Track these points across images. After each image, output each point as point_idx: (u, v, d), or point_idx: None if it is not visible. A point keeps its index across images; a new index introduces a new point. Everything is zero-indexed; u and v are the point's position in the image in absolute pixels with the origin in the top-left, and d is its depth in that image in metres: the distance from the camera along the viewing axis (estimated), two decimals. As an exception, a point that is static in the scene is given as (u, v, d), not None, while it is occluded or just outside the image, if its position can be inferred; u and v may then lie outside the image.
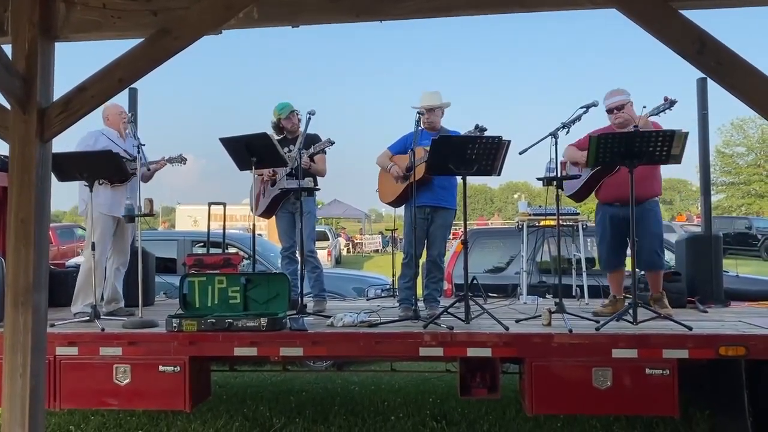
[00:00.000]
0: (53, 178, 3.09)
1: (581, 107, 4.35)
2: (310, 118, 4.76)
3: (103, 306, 4.75)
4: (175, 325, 3.92)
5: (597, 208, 4.78)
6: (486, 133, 4.28)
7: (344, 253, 28.90)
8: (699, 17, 2.53)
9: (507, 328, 3.87)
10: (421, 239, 4.64)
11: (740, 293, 5.55)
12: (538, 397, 3.70)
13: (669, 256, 6.65)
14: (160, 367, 3.89)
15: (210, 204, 6.13)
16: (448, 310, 4.19)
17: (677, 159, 3.95)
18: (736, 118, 44.14)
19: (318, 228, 20.99)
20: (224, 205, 6.21)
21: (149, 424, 4.78)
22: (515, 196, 69.14)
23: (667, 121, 4.21)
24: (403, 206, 4.86)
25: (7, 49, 2.77)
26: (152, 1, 2.87)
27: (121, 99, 5.44)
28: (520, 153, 4.50)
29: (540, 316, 4.13)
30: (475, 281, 5.50)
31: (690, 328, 3.76)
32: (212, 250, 5.93)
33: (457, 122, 4.94)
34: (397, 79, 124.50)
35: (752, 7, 2.89)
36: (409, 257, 4.66)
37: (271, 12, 2.85)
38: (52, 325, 4.02)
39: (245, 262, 6.09)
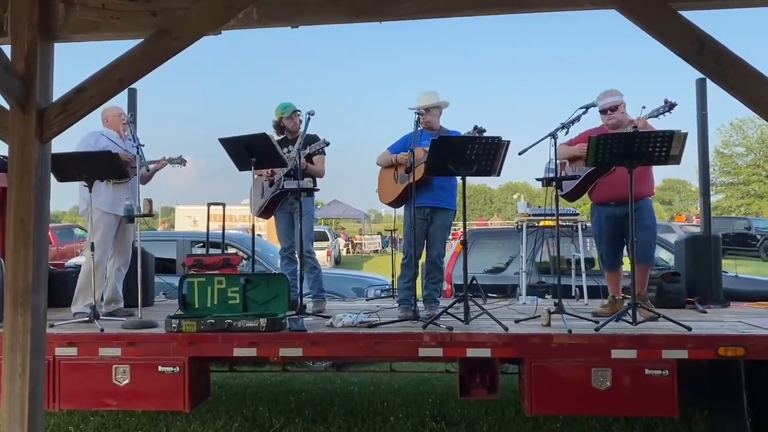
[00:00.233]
0: (52, 178, 3.09)
1: (580, 108, 4.36)
2: (309, 119, 4.76)
3: (103, 306, 4.74)
4: (174, 325, 3.92)
5: (592, 209, 4.79)
6: (485, 134, 4.28)
7: (344, 253, 28.90)
8: (698, 18, 2.53)
9: (506, 329, 3.87)
10: (420, 240, 4.64)
11: (739, 293, 5.56)
12: (537, 398, 3.70)
13: (668, 257, 6.67)
14: (160, 368, 3.89)
15: (209, 204, 6.14)
16: (448, 311, 4.19)
17: (676, 159, 3.95)
18: (736, 118, 44.29)
19: (317, 228, 21.06)
20: (223, 205, 6.21)
21: (149, 425, 4.78)
22: (515, 196, 69.18)
23: (666, 122, 4.22)
24: (402, 207, 4.86)
25: (7, 49, 2.77)
26: (152, 2, 2.87)
27: (121, 99, 5.45)
28: (520, 153, 4.50)
29: (539, 316, 4.13)
30: (474, 282, 5.50)
31: (689, 329, 3.76)
32: (211, 251, 5.93)
33: (457, 122, 4.93)
34: (397, 78, 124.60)
35: (752, 8, 2.89)
36: (408, 258, 4.66)
37: (270, 12, 2.86)
38: (52, 326, 4.02)
39: (244, 262, 6.09)
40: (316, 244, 5.34)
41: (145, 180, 5.16)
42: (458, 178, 4.38)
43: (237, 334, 3.89)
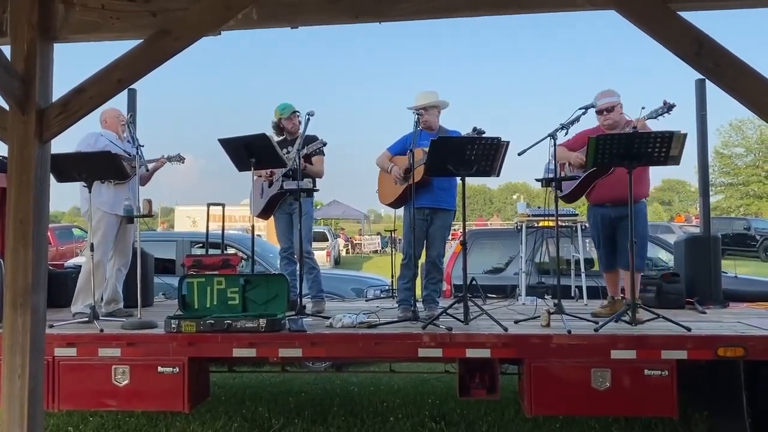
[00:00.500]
0: (52, 178, 3.09)
1: (580, 108, 4.37)
2: (309, 119, 4.76)
3: (103, 307, 4.74)
4: (174, 326, 3.92)
5: (588, 210, 4.80)
6: (484, 135, 4.28)
7: (343, 253, 28.91)
8: (697, 18, 2.54)
9: (506, 329, 3.87)
10: (420, 240, 4.64)
11: (739, 294, 5.56)
12: (537, 398, 3.70)
13: (668, 257, 6.67)
14: (159, 368, 3.89)
15: (209, 205, 6.13)
16: (447, 311, 4.19)
17: (676, 160, 3.96)
18: (735, 119, 44.29)
19: (317, 229, 21.06)
20: (223, 205, 6.21)
21: (148, 425, 4.77)
22: (514, 196, 69.21)
23: (666, 122, 4.22)
24: (402, 207, 4.86)
25: (6, 50, 2.77)
26: (151, 2, 2.86)
27: (120, 100, 5.45)
28: (519, 154, 4.50)
29: (539, 316, 4.13)
30: (474, 282, 5.50)
31: (689, 329, 3.76)
32: (211, 251, 5.92)
33: (458, 122, 4.92)
34: (397, 78, 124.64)
35: (751, 9, 2.89)
36: (408, 258, 4.66)
37: (270, 13, 2.85)
38: (51, 326, 4.02)
39: (244, 263, 6.09)
40: (315, 245, 5.34)
41: (144, 180, 5.16)
42: (458, 179, 4.38)
43: (236, 335, 3.88)
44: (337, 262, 23.87)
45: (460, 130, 4.71)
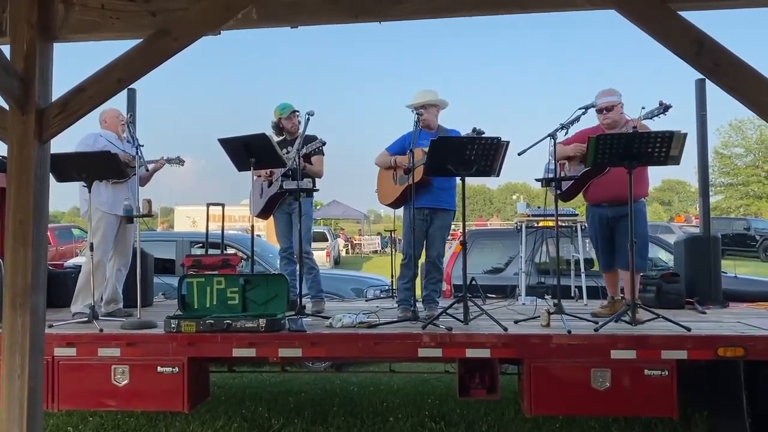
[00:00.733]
0: (52, 178, 3.08)
1: (580, 108, 4.36)
2: (308, 119, 4.75)
3: (102, 307, 4.74)
4: (173, 326, 3.92)
5: (587, 210, 4.80)
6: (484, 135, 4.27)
7: (343, 253, 28.92)
8: (697, 18, 2.53)
9: (506, 329, 3.87)
10: (420, 240, 4.64)
11: (739, 294, 5.56)
12: (536, 398, 3.70)
13: (667, 257, 6.67)
14: (159, 368, 3.88)
15: (208, 205, 6.13)
16: (447, 311, 4.19)
17: (676, 160, 3.96)
18: (735, 119, 44.29)
19: (317, 229, 21.06)
20: (223, 205, 6.21)
21: (148, 425, 4.77)
22: (514, 197, 69.25)
23: (666, 122, 4.22)
24: (402, 207, 4.86)
25: (6, 49, 2.76)
26: (151, 2, 2.86)
27: (120, 100, 5.45)
28: (519, 154, 4.50)
29: (539, 316, 4.13)
30: (473, 282, 5.50)
31: (689, 329, 3.76)
32: (211, 251, 5.92)
33: (458, 122, 4.90)
34: (396, 78, 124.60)
35: (751, 9, 2.89)
36: (408, 258, 4.66)
37: (270, 12, 2.85)
38: (51, 326, 4.01)
39: (244, 263, 6.09)
40: (315, 245, 5.34)
41: (144, 181, 5.16)
42: (457, 179, 4.38)
43: (236, 335, 3.88)
44: (337, 262, 23.87)
45: (459, 130, 4.71)
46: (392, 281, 6.46)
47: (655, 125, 4.24)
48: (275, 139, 5.03)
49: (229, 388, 5.89)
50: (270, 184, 5.09)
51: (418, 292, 4.79)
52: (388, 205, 4.95)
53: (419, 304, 4.58)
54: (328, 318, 4.27)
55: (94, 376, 3.93)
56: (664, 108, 4.08)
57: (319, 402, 5.33)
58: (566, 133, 4.41)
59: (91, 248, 4.44)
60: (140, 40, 2.78)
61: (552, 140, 4.35)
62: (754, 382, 3.81)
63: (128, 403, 3.98)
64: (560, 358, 3.70)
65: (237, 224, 21.06)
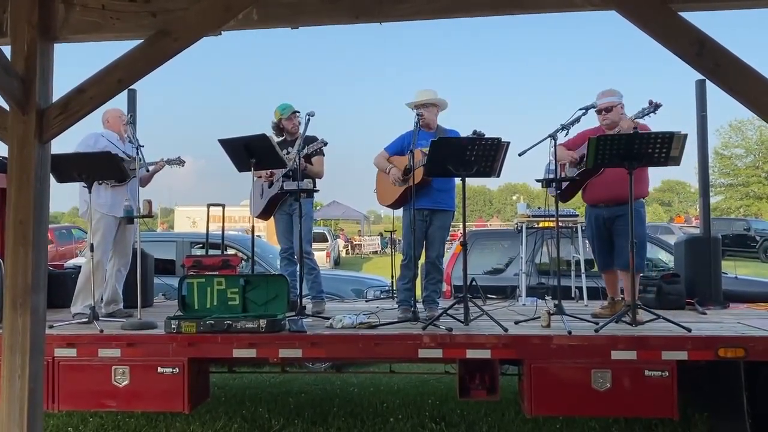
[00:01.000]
0: (52, 179, 3.09)
1: (580, 109, 4.36)
2: (309, 120, 4.76)
3: (102, 307, 4.74)
4: (173, 326, 3.92)
5: (585, 211, 4.80)
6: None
7: (343, 254, 28.94)
8: (698, 19, 2.53)
9: (506, 330, 3.87)
10: (420, 241, 4.64)
11: (739, 295, 5.56)
12: (537, 399, 3.70)
13: (668, 258, 6.67)
14: (159, 369, 3.88)
15: (209, 205, 6.13)
16: (447, 312, 4.19)
17: (676, 161, 3.96)
18: (735, 119, 44.33)
19: (317, 229, 21.05)
20: (223, 206, 6.21)
21: (148, 426, 4.77)
22: (514, 197, 69.27)
23: (666, 123, 4.22)
24: (401, 208, 4.86)
25: (6, 50, 2.77)
26: (151, 3, 2.86)
27: (120, 100, 5.44)
28: (520, 154, 4.51)
29: (539, 317, 4.13)
30: (474, 283, 5.50)
31: (689, 330, 3.76)
32: (211, 252, 5.92)
33: (459, 122, 4.92)
34: (396, 77, 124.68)
35: (751, 9, 2.89)
36: (408, 259, 4.66)
37: (270, 13, 2.85)
38: (51, 327, 4.01)
39: (244, 263, 6.08)
40: (315, 245, 5.34)
41: (144, 182, 5.16)
42: (457, 180, 4.37)
43: (236, 335, 3.88)
44: (337, 263, 23.88)
45: (459, 130, 4.71)
46: (392, 282, 6.46)
47: (655, 126, 4.25)
48: (275, 139, 5.03)
49: (229, 388, 5.89)
50: (270, 184, 5.09)
51: (419, 292, 4.79)
52: (388, 206, 4.95)
53: (419, 305, 4.58)
54: (328, 319, 4.27)
55: (94, 376, 3.93)
56: (655, 106, 4.09)
57: (319, 403, 5.33)
58: (567, 134, 4.41)
59: (92, 249, 4.44)
60: (141, 41, 2.78)
61: (552, 141, 4.34)
62: (754, 383, 3.81)
63: (128, 404, 3.98)
64: (561, 359, 3.70)
65: (237, 225, 21.07)
